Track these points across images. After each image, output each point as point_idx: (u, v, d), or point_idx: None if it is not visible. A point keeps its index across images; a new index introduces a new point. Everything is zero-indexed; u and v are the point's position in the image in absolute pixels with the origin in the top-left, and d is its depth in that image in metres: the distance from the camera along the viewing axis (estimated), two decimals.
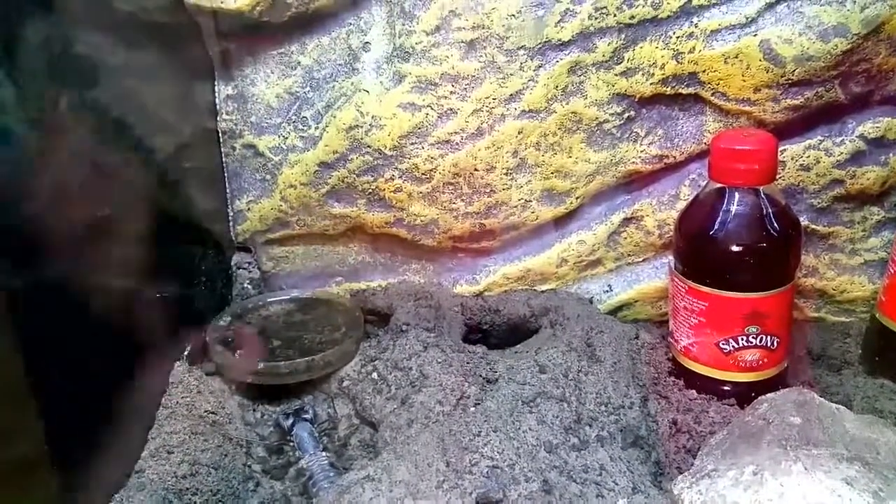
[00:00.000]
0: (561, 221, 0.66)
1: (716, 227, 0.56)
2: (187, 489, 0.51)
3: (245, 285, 0.71)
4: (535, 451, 0.51)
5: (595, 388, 0.57)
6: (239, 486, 0.54)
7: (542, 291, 0.68)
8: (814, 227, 0.64)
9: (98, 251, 0.54)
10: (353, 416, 0.60)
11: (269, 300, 0.69)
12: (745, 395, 0.57)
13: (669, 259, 0.61)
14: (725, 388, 0.59)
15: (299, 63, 0.63)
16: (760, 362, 0.58)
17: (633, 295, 0.67)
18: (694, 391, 0.59)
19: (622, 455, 0.54)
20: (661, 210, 0.64)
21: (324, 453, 0.56)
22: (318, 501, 0.48)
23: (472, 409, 0.54)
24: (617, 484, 0.51)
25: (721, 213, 0.56)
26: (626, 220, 0.65)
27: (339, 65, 0.62)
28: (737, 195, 0.55)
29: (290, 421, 0.58)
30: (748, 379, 0.58)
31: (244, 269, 0.71)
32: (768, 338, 0.57)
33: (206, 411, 0.57)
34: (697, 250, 0.57)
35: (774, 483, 0.47)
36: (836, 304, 0.67)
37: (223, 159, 0.67)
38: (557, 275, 0.67)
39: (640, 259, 0.67)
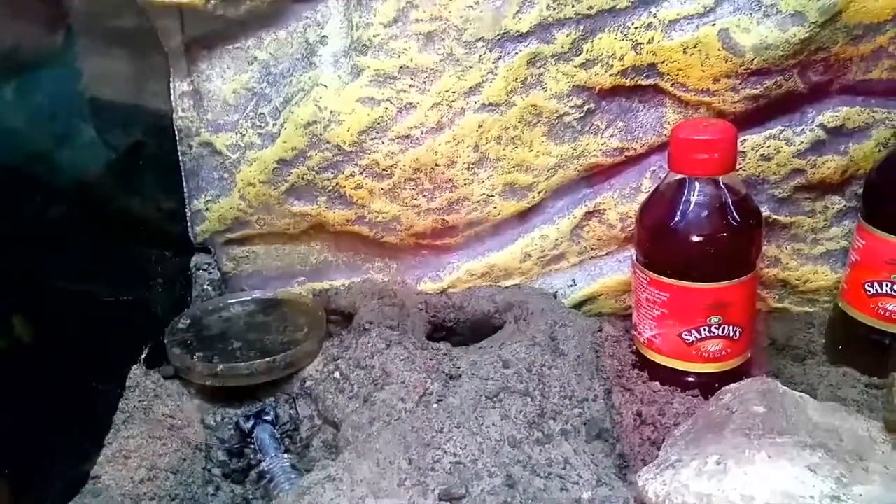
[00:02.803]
0: (524, 216, 0.65)
1: (676, 217, 0.55)
2: (144, 494, 0.50)
3: (205, 287, 0.69)
4: (499, 446, 0.51)
5: (559, 382, 0.56)
6: (198, 491, 0.53)
7: (506, 287, 0.68)
8: (775, 217, 0.64)
9: (51, 252, 0.53)
10: (316, 417, 0.59)
11: (229, 301, 0.68)
12: (708, 385, 0.57)
13: (632, 252, 0.60)
14: (689, 379, 0.59)
15: (256, 58, 0.62)
16: (723, 353, 0.58)
17: (597, 289, 0.67)
18: (658, 383, 0.59)
19: (586, 448, 0.53)
20: (623, 203, 0.64)
21: (285, 455, 0.55)
22: (278, 503, 0.47)
23: (435, 405, 0.53)
24: (581, 477, 0.50)
25: (681, 204, 0.55)
26: (589, 214, 0.65)
27: (297, 59, 0.61)
28: (696, 185, 0.55)
29: (251, 423, 0.57)
30: (711, 370, 0.58)
31: (204, 270, 0.69)
32: (731, 328, 0.57)
33: (164, 415, 0.56)
34: (658, 241, 0.57)
35: (738, 471, 0.47)
36: (799, 295, 0.67)
37: (179, 158, 0.65)
38: (521, 270, 0.67)
39: (604, 253, 0.67)
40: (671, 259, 0.56)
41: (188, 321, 0.65)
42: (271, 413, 0.58)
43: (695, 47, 0.58)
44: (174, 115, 0.64)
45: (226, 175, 0.65)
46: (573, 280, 0.67)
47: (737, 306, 0.57)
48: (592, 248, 0.66)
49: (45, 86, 0.57)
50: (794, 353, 0.65)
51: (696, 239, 0.55)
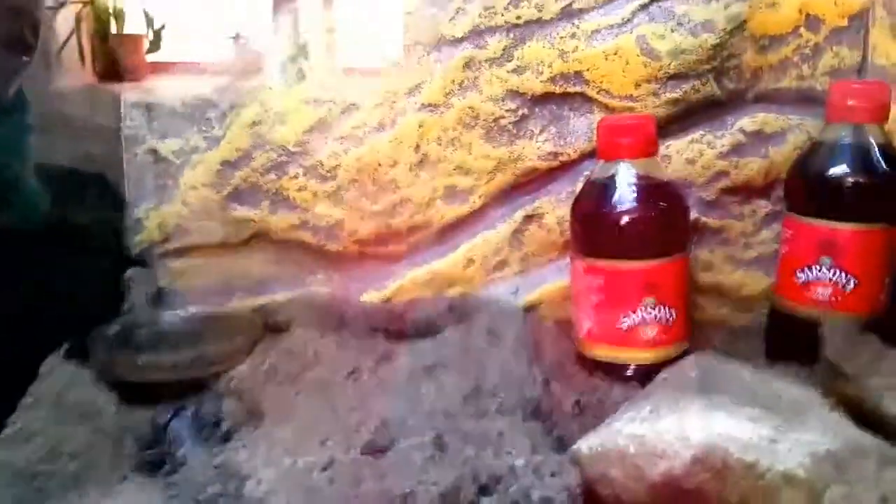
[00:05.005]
0: (466, 221, 0.67)
1: (606, 198, 0.58)
2: (42, 472, 0.47)
3: (139, 301, 0.68)
4: (431, 414, 0.49)
5: (497, 364, 0.55)
6: (104, 477, 0.49)
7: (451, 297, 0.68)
8: (705, 220, 0.66)
9: None
10: (241, 413, 0.56)
11: (162, 315, 0.67)
12: (648, 377, 0.56)
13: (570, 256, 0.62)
14: (628, 373, 0.58)
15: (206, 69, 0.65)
16: (661, 337, 0.57)
17: (539, 296, 0.67)
18: (599, 377, 0.58)
19: (523, 427, 0.51)
20: (560, 207, 0.66)
21: (203, 446, 0.52)
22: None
23: (366, 377, 0.52)
24: (515, 447, 0.48)
25: (609, 186, 0.58)
26: (528, 218, 0.66)
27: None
28: (622, 167, 0.57)
29: (168, 416, 0.54)
30: (650, 358, 0.58)
31: (139, 283, 0.68)
32: (665, 310, 0.57)
33: (75, 402, 0.53)
34: (591, 224, 0.59)
35: (672, 417, 0.45)
36: (736, 303, 0.68)
37: (124, 167, 0.67)
38: (465, 277, 0.67)
39: (545, 260, 0.67)
40: (604, 239, 0.58)
41: (116, 328, 0.63)
42: (191, 409, 0.55)
43: (615, 53, 0.62)
44: (122, 125, 0.66)
45: (169, 182, 0.66)
46: (516, 287, 0.67)
47: (669, 287, 0.57)
48: (534, 255, 0.67)
49: None
50: (736, 357, 0.65)
51: (625, 217, 0.57)
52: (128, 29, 0.77)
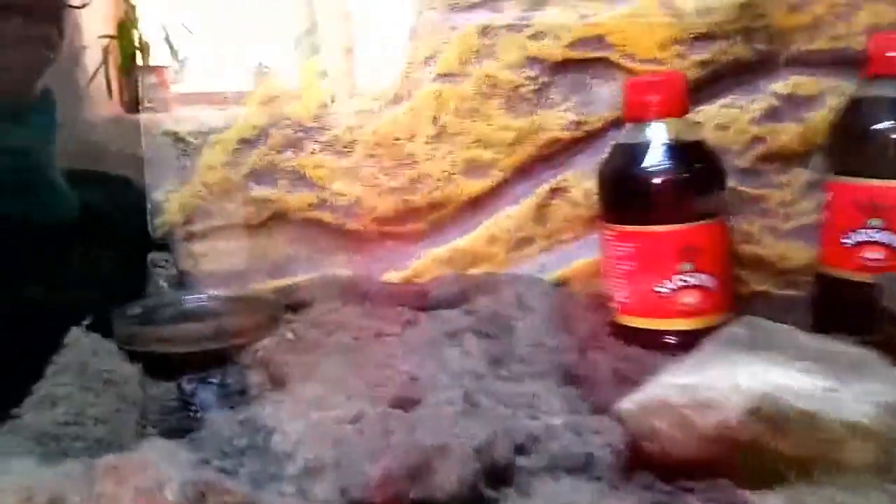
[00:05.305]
0: (488, 197, 0.65)
1: (636, 160, 0.55)
2: (67, 434, 0.45)
3: (161, 284, 0.66)
4: (460, 375, 0.46)
5: (527, 332, 0.52)
6: (129, 441, 0.47)
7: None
8: (742, 188, 0.63)
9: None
10: (266, 383, 0.54)
11: (184, 297, 0.65)
12: (690, 345, 0.53)
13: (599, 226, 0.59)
14: (669, 340, 0.55)
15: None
16: (701, 305, 0.54)
17: (568, 273, 0.64)
18: (637, 347, 0.55)
19: (559, 391, 0.48)
20: (586, 180, 0.63)
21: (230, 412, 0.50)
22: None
23: (390, 339, 0.49)
24: (552, 407, 0.45)
25: (640, 148, 0.55)
26: (553, 192, 0.64)
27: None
28: (652, 127, 0.55)
29: (194, 385, 0.52)
30: (691, 326, 0.54)
31: (161, 267, 0.67)
32: (704, 277, 0.54)
33: (100, 370, 0.51)
34: (621, 188, 0.56)
35: (721, 370, 0.42)
36: (779, 276, 0.64)
37: (143, 149, 0.66)
38: (489, 254, 0.65)
39: (572, 236, 0.65)
40: (636, 204, 0.55)
41: (138, 309, 0.61)
42: (217, 378, 0.53)
43: (638, 14, 0.60)
44: (140, 107, 0.65)
45: (187, 163, 0.65)
46: (542, 265, 0.65)
47: (707, 253, 0.54)
48: (560, 231, 0.64)
49: None
50: None
51: (658, 178, 0.54)
52: (153, 61, 0.77)
